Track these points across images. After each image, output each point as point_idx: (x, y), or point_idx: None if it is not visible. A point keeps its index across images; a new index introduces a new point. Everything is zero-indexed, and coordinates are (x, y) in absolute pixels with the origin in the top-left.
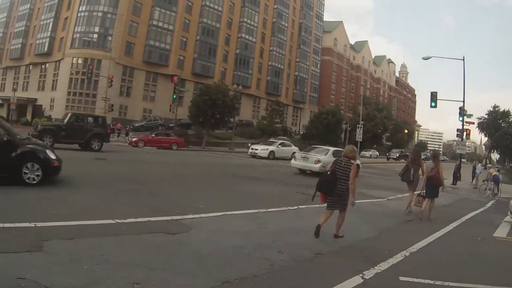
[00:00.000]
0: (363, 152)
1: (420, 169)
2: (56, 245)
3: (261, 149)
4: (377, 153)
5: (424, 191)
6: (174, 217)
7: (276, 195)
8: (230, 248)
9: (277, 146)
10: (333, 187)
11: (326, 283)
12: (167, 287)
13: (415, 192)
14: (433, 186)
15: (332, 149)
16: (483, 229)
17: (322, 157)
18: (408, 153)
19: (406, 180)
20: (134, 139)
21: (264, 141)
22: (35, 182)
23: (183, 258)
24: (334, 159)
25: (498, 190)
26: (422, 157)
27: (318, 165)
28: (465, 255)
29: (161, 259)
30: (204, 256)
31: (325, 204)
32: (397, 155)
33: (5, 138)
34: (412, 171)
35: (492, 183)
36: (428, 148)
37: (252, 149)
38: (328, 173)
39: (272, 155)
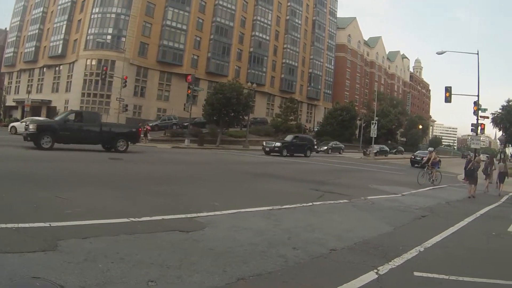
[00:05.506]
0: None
1: (494, 165)
2: (71, 244)
3: None
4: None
5: (498, 180)
6: (189, 215)
7: (290, 192)
8: (244, 245)
9: None
10: (472, 175)
11: (340, 278)
12: (182, 284)
13: (490, 181)
14: (503, 176)
15: None
16: (498, 224)
17: None
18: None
19: (485, 173)
20: None
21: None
22: None
23: (198, 256)
24: None
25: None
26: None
27: None
28: (480, 250)
29: (176, 257)
30: (219, 254)
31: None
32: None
33: None
34: (488, 168)
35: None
36: (443, 143)
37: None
38: (471, 168)
39: None
